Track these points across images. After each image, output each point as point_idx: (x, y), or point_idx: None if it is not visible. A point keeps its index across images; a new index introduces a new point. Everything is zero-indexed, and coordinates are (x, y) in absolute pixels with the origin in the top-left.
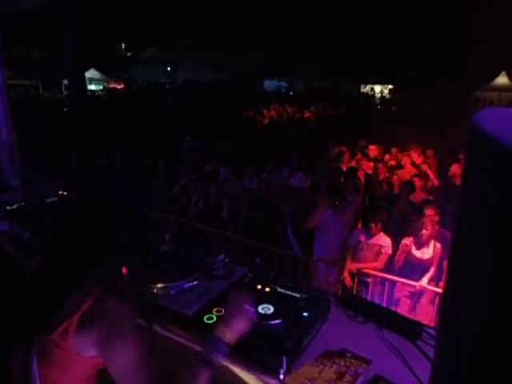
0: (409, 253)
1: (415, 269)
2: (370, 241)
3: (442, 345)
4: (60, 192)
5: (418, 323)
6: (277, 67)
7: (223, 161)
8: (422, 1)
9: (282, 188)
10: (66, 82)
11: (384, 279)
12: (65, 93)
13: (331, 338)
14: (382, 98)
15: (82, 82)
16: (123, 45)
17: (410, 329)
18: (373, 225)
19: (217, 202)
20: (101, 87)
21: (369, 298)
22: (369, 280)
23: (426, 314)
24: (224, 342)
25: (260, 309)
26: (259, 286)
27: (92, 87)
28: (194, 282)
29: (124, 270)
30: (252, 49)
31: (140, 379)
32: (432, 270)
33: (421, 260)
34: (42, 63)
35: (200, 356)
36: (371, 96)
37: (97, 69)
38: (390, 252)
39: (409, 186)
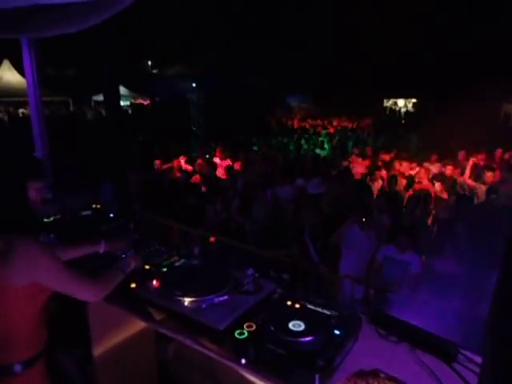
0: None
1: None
2: (398, 257)
3: (491, 371)
4: (93, 205)
5: (453, 344)
6: (300, 82)
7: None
8: (445, 14)
9: (300, 195)
10: (95, 98)
11: (411, 297)
12: (93, 108)
13: (363, 357)
14: (406, 111)
15: (118, 98)
16: (149, 62)
17: (445, 350)
18: (400, 241)
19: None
20: (128, 103)
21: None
22: (395, 298)
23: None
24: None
25: (291, 325)
26: (289, 302)
27: (120, 103)
28: (225, 297)
29: (156, 283)
30: (276, 63)
31: (68, 277)
32: None
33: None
34: (72, 80)
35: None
36: (394, 110)
37: (124, 85)
38: (418, 270)
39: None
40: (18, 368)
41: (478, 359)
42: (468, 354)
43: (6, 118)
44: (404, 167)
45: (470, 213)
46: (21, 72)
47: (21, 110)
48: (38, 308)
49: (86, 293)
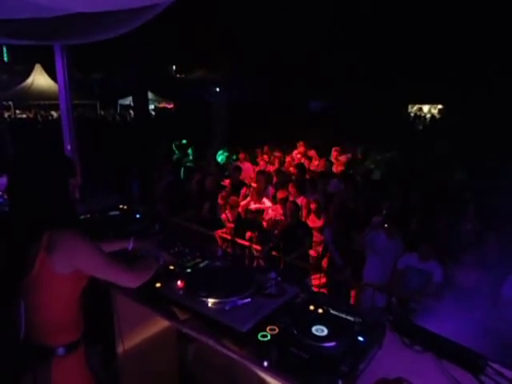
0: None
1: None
2: (420, 266)
3: None
4: (120, 206)
5: (481, 356)
6: (321, 88)
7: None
8: (470, 20)
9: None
10: (120, 102)
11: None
12: (119, 111)
13: (386, 365)
14: (432, 117)
15: (146, 101)
16: (173, 67)
17: (473, 362)
18: (423, 249)
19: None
20: (152, 107)
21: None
22: (418, 307)
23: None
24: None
25: (314, 330)
26: (312, 307)
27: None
28: (248, 299)
29: (180, 284)
30: (298, 70)
31: (109, 265)
32: None
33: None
34: (99, 85)
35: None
36: (419, 116)
37: (149, 90)
38: (441, 279)
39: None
40: (61, 351)
41: (509, 373)
42: (497, 366)
43: (39, 119)
44: None
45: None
46: (52, 76)
47: (51, 113)
48: (78, 295)
49: (125, 278)
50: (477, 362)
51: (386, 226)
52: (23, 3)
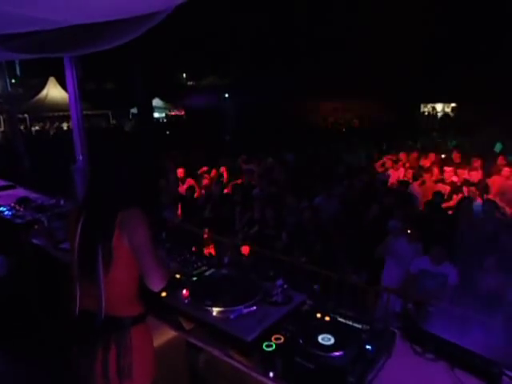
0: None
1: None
2: (435, 270)
3: None
4: None
5: (496, 364)
6: (332, 85)
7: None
8: (483, 18)
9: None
10: (133, 110)
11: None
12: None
13: (396, 374)
14: (446, 116)
15: (150, 111)
16: (184, 74)
17: (487, 370)
18: (436, 252)
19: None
20: (163, 114)
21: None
22: (433, 311)
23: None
24: None
25: (320, 339)
26: (319, 315)
27: (156, 115)
28: (253, 308)
29: (185, 293)
30: (308, 67)
31: (151, 251)
32: None
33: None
34: (111, 94)
35: None
36: (433, 115)
37: (160, 98)
38: (456, 280)
39: None
40: (129, 321)
41: None
42: None
43: (52, 131)
44: (448, 173)
45: None
46: (65, 88)
47: (65, 124)
48: (139, 272)
49: (156, 272)
50: (492, 371)
51: (408, 231)
52: (23, 17)
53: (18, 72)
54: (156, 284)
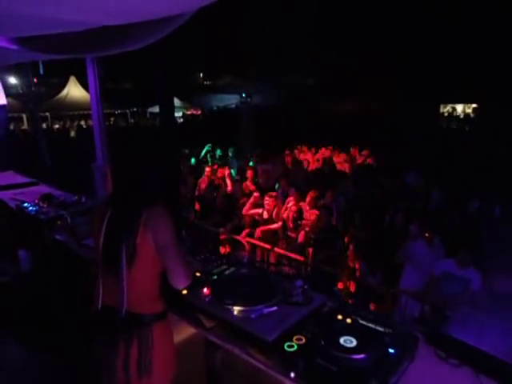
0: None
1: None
2: (459, 273)
3: None
4: None
5: None
6: (349, 87)
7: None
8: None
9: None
10: (150, 110)
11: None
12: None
13: (419, 379)
14: (466, 117)
15: (172, 110)
16: (201, 74)
17: None
18: (462, 256)
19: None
20: (180, 114)
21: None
22: (454, 317)
23: None
24: None
25: (342, 341)
26: (340, 317)
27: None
28: (274, 308)
29: (206, 291)
30: (326, 68)
31: (176, 249)
32: None
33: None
34: (130, 94)
35: None
36: (454, 116)
37: (177, 97)
38: (480, 287)
39: None
40: (150, 318)
41: None
42: None
43: (73, 129)
44: None
45: None
46: (85, 87)
47: (83, 123)
48: (161, 270)
49: (181, 271)
50: None
51: (426, 235)
52: (56, 19)
53: (41, 71)
54: (181, 282)
